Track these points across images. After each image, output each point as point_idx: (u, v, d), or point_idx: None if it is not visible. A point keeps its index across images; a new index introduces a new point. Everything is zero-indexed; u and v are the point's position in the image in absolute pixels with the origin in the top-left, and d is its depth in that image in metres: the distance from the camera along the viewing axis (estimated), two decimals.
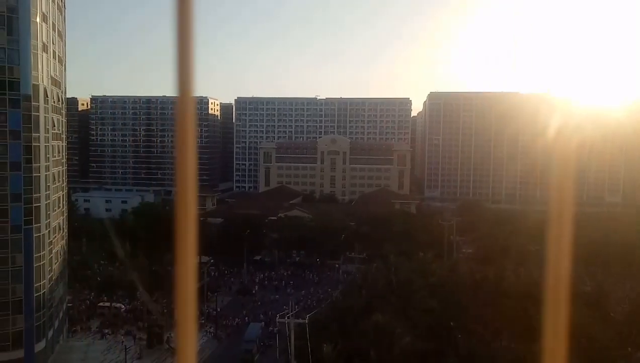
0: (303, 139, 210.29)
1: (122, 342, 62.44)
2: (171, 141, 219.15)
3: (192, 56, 1.44)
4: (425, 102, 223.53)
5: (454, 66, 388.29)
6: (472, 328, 58.80)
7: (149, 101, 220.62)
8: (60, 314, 56.17)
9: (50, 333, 50.04)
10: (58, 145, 56.13)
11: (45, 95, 50.91)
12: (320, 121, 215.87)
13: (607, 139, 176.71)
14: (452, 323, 61.40)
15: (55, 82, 55.17)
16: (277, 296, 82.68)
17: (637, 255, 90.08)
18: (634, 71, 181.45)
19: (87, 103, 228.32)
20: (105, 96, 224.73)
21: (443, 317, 59.33)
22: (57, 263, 54.38)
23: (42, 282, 47.94)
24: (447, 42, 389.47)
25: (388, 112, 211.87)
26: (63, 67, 59.53)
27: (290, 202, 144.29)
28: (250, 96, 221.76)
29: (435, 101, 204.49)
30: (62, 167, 58.38)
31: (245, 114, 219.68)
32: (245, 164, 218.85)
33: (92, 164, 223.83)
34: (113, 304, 74.64)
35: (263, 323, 68.34)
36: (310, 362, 40.13)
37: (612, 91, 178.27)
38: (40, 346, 47.05)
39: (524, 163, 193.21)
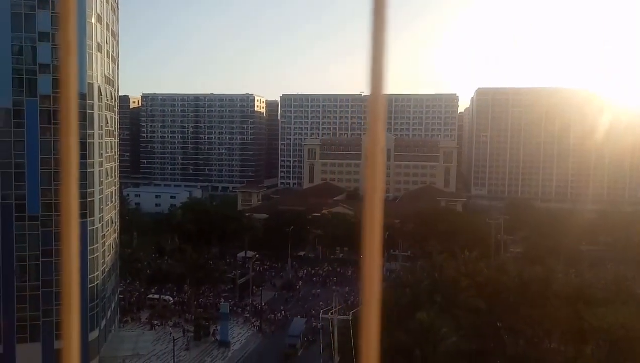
0: (347, 136, 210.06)
1: (170, 333, 64.38)
2: (218, 138, 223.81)
3: (384, 55, 1.44)
4: (472, 98, 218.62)
5: (501, 61, 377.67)
6: (520, 329, 57.29)
7: (197, 98, 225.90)
8: (112, 305, 58.44)
9: (103, 323, 52.15)
10: (110, 142, 58.31)
11: (99, 93, 52.97)
12: (365, 118, 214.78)
13: None
14: (499, 324, 60.01)
15: (109, 81, 57.32)
16: (319, 291, 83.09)
17: None
18: None
19: (138, 101, 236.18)
20: (155, 93, 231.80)
21: (489, 317, 58.02)
22: (110, 256, 56.57)
23: (95, 274, 49.98)
24: (493, 37, 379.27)
25: (434, 108, 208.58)
26: (116, 66, 61.75)
27: (334, 199, 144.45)
28: (295, 93, 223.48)
29: (483, 96, 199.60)
30: (114, 163, 60.61)
31: (290, 111, 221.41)
32: (289, 161, 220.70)
33: (143, 161, 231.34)
34: (162, 296, 77.01)
35: (306, 318, 68.78)
36: (353, 358, 40.13)
37: None
38: (93, 335, 49.11)
39: (575, 160, 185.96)
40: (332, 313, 40.34)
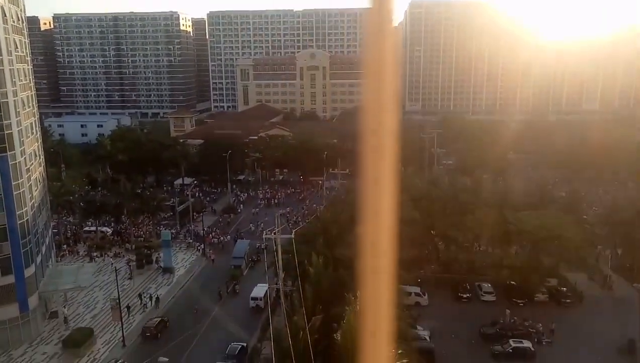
0: (281, 54, 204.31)
1: (112, 264, 63.64)
2: (143, 61, 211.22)
3: None
4: (406, 11, 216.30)
5: None
6: (452, 235, 61.03)
7: (115, 18, 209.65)
8: (47, 240, 56.45)
9: (38, 259, 50.52)
10: (24, 68, 53.45)
11: (4, 14, 47.70)
12: (298, 35, 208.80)
13: (583, 48, 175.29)
14: (432, 232, 63.59)
15: (13, 0, 51.55)
16: (258, 211, 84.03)
17: (610, 160, 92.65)
18: None
19: (49, 22, 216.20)
20: (68, 14, 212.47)
21: (424, 227, 61.22)
22: (37, 190, 53.76)
23: (24, 209, 47.58)
24: None
25: None
26: None
27: (271, 121, 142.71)
28: (223, 10, 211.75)
29: (417, 9, 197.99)
30: (31, 91, 55.98)
31: (219, 29, 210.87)
32: (222, 83, 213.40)
33: (62, 88, 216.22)
34: (99, 228, 75.21)
35: (250, 240, 69.82)
36: (297, 274, 41.48)
37: (592, 3, 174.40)
38: (30, 271, 47.65)
39: (504, 74, 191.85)
40: (275, 233, 41.00)
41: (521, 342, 45.27)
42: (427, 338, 44.35)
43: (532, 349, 44.78)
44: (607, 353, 44.89)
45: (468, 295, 55.29)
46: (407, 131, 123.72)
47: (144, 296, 55.56)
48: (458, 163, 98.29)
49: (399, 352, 29.18)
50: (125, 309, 52.36)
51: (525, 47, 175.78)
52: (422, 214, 59.75)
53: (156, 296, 55.80)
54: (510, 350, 44.29)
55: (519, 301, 53.63)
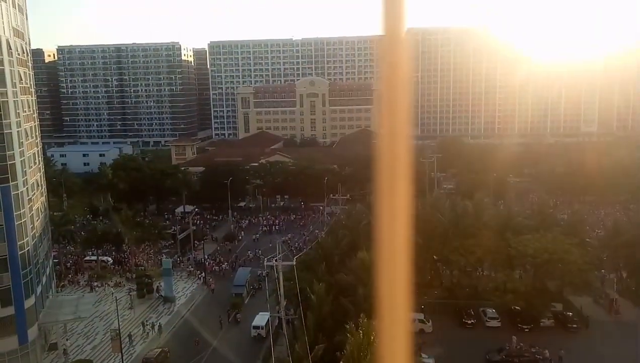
0: (281, 82, 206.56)
1: (112, 293, 63.14)
2: (145, 91, 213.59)
3: None
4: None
5: (428, 1, 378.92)
6: (454, 260, 60.65)
7: (118, 49, 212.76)
8: (47, 270, 56.17)
9: (39, 289, 50.17)
10: (27, 99, 54.10)
11: (9, 47, 48.50)
12: (298, 63, 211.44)
13: (580, 71, 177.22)
14: (435, 257, 63.23)
15: (18, 33, 52.46)
16: (259, 238, 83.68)
17: (610, 183, 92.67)
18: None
19: (53, 54, 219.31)
20: (72, 45, 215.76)
21: (426, 251, 60.90)
22: (39, 220, 53.77)
23: (25, 239, 47.51)
24: None
25: (366, 50, 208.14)
26: (24, 17, 56.44)
27: (271, 147, 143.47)
28: (223, 39, 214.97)
29: (413, 36, 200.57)
30: (35, 122, 56.51)
31: (220, 58, 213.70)
32: (223, 111, 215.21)
33: (65, 118, 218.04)
34: (100, 257, 74.89)
35: (251, 267, 69.37)
36: (299, 301, 41.13)
37: (588, 27, 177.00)
38: (30, 302, 47.28)
39: (501, 97, 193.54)
40: (276, 260, 40.80)
41: None
42: None
43: None
44: None
45: (472, 320, 54.62)
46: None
47: (147, 325, 55.14)
48: (458, 186, 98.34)
49: None
50: (127, 338, 51.90)
51: (521, 70, 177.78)
52: (423, 239, 59.56)
53: (159, 324, 55.35)
54: None
55: (524, 326, 52.94)
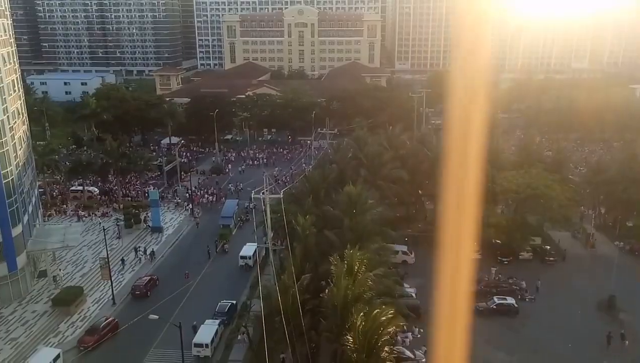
0: (268, 10, 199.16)
1: (100, 223, 63.55)
2: (127, 17, 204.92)
3: None
4: None
5: None
6: (439, 194, 61.45)
7: None
8: (33, 199, 55.95)
9: (25, 218, 50.17)
10: (3, 23, 51.58)
11: None
12: None
13: (572, 6, 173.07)
14: (420, 192, 64.08)
15: None
16: (245, 170, 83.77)
17: (597, 120, 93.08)
18: None
19: None
20: None
21: (412, 186, 61.64)
22: (22, 149, 52.84)
23: (9, 169, 46.87)
24: None
25: None
26: None
27: (259, 79, 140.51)
28: None
29: None
30: (12, 47, 54.18)
31: None
32: (208, 40, 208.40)
33: (44, 44, 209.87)
34: (86, 188, 74.65)
35: (238, 199, 69.84)
36: (286, 233, 41.78)
37: None
38: (17, 231, 47.38)
39: (493, 31, 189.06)
40: (263, 193, 40.98)
41: (505, 299, 46.48)
42: (414, 295, 45.32)
43: (516, 306, 46.05)
44: (588, 309, 46.33)
45: None
46: (395, 90, 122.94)
47: (139, 251, 56.34)
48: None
49: (387, 309, 29.81)
50: (120, 262, 53.55)
51: (514, 5, 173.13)
52: (410, 174, 60.10)
53: (151, 250, 56.71)
54: (494, 307, 45.52)
55: (504, 259, 54.74)
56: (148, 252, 56.42)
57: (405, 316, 35.10)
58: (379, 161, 60.22)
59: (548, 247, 56.82)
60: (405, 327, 38.33)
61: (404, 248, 54.10)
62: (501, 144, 71.50)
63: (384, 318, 28.87)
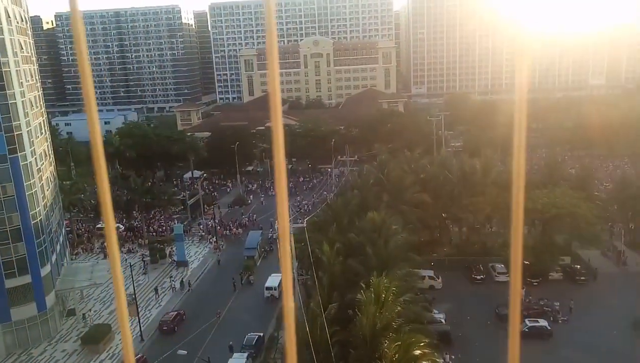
0: (284, 43, 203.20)
1: (126, 259, 64.25)
2: (146, 56, 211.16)
3: None
4: None
5: None
6: (463, 217, 60.87)
7: (117, 14, 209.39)
8: (61, 238, 57.04)
9: (53, 257, 51.09)
10: (30, 69, 53.64)
11: (7, 15, 47.80)
12: (301, 23, 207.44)
13: (588, 22, 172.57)
14: (443, 215, 63.45)
15: (15, 1, 51.60)
16: (266, 201, 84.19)
17: (618, 135, 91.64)
18: None
19: (51, 21, 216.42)
20: (70, 12, 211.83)
21: (435, 210, 61.07)
22: (49, 190, 54.21)
23: (37, 209, 48.05)
24: None
25: (370, 7, 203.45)
26: None
27: None
28: (224, 1, 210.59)
29: None
30: (38, 91, 56.21)
31: (221, 20, 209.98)
32: (226, 74, 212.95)
33: (68, 87, 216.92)
34: None
35: (262, 230, 70.03)
36: (311, 262, 41.64)
37: None
38: (45, 270, 48.23)
39: (508, 52, 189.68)
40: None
41: (537, 321, 45.27)
42: (443, 320, 44.48)
43: (549, 328, 44.80)
44: (623, 329, 44.79)
45: (482, 276, 55.24)
46: (413, 115, 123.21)
47: (172, 280, 57.92)
48: (466, 144, 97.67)
49: (419, 338, 29.27)
50: (154, 292, 55.27)
51: (529, 24, 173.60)
52: (432, 197, 59.64)
53: (188, 279, 58.39)
54: (527, 330, 44.32)
55: (533, 280, 53.50)
56: (185, 282, 57.96)
57: (436, 343, 34.40)
58: (401, 186, 60.00)
59: (578, 266, 55.44)
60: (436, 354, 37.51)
61: (431, 272, 53.36)
62: (524, 164, 70.59)
63: (417, 350, 28.26)
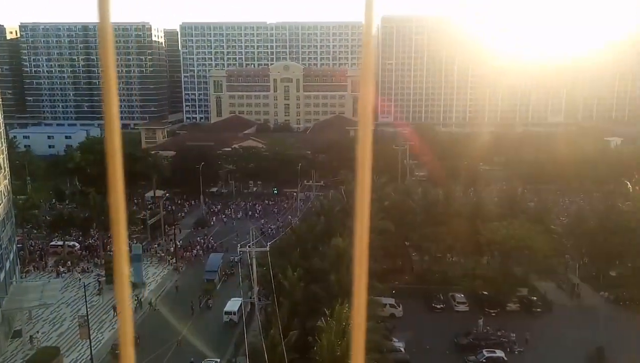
0: (254, 66, 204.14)
1: (80, 279, 61.93)
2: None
3: None
4: (378, 25, 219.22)
5: None
6: (425, 246, 61.56)
7: (85, 28, 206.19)
8: (11, 255, 54.62)
9: (1, 275, 48.81)
10: None
11: None
12: (272, 47, 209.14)
13: (548, 61, 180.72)
14: (406, 243, 64.04)
15: None
16: (225, 221, 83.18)
17: (575, 171, 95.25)
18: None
19: (15, 32, 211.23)
20: (36, 23, 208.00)
21: (398, 238, 61.61)
22: (1, 204, 52.08)
23: None
24: None
25: (341, 36, 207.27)
26: None
27: (244, 132, 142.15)
28: (196, 21, 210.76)
29: (388, 24, 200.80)
30: None
31: (192, 40, 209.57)
32: (195, 94, 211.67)
33: (29, 98, 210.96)
34: (66, 243, 73.17)
35: (223, 253, 68.92)
36: (272, 287, 41.11)
37: (558, 21, 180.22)
38: None
39: (473, 87, 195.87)
40: (249, 246, 40.60)
41: (494, 352, 45.76)
42: (402, 349, 44.42)
43: (505, 358, 45.31)
44: (577, 361, 45.72)
45: (442, 305, 55.70)
46: (379, 143, 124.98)
47: (133, 300, 55.45)
48: (430, 174, 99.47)
49: None
50: (112, 309, 52.52)
51: (492, 60, 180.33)
52: (395, 225, 60.17)
53: (150, 299, 56.78)
54: (484, 360, 44.71)
55: (491, 311, 54.30)
56: (150, 301, 56.18)
57: None
58: None
59: (535, 298, 56.62)
60: None
61: (392, 300, 53.47)
62: (484, 196, 72.46)
63: None
